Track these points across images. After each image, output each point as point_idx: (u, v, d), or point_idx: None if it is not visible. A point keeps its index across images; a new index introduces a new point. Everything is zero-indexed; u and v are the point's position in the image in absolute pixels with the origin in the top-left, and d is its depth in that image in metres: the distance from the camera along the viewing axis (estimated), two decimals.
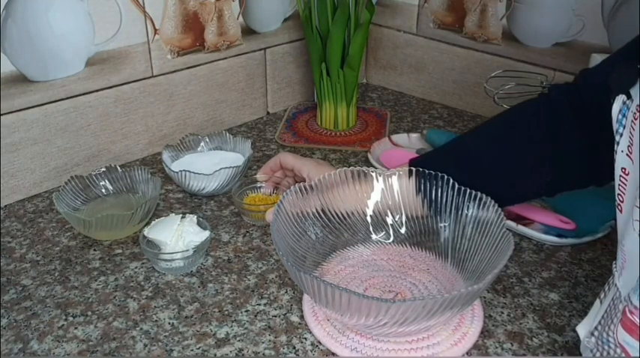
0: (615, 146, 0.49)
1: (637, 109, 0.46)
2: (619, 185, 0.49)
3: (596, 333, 0.50)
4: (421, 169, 0.67)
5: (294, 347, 0.59)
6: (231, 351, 0.58)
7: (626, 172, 0.48)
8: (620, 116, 0.48)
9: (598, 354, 0.49)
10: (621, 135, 0.48)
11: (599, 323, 0.50)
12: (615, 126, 0.49)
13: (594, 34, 0.94)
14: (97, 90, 0.87)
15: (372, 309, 0.50)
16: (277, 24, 1.08)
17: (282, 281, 0.68)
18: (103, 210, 0.78)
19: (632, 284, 0.47)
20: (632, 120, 0.46)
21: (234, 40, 1.01)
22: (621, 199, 0.49)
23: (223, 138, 0.92)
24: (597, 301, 0.52)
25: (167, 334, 0.60)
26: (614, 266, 0.50)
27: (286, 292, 0.66)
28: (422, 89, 1.22)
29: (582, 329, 0.53)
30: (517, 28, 1.03)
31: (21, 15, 0.76)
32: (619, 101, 0.48)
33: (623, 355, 0.46)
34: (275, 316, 0.63)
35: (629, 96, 0.47)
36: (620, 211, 0.50)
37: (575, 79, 0.66)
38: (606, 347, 0.48)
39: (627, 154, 0.48)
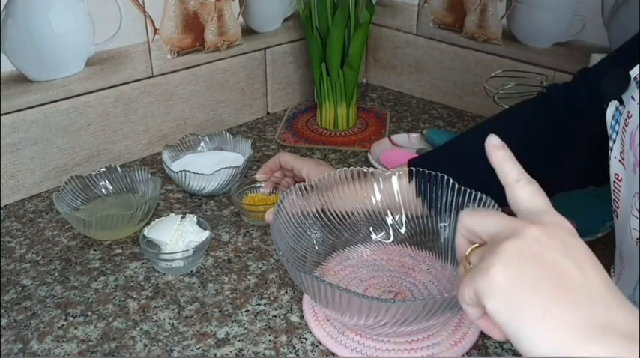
0: (609, 152, 0.49)
1: (627, 116, 0.46)
2: (613, 191, 0.49)
3: None
4: (421, 169, 0.67)
5: (294, 347, 0.59)
6: (231, 351, 0.58)
7: (619, 178, 0.48)
8: (613, 122, 0.48)
9: None
10: (614, 141, 0.48)
11: None
12: (609, 131, 0.49)
13: (594, 34, 0.94)
14: (97, 90, 0.87)
15: (372, 309, 0.50)
16: (277, 24, 1.08)
17: (282, 281, 0.68)
18: (103, 210, 0.78)
19: (628, 291, 0.47)
20: (623, 127, 0.46)
21: (234, 40, 1.01)
22: (616, 205, 0.49)
23: (223, 138, 0.92)
24: None
25: (167, 334, 0.60)
26: (612, 270, 0.50)
27: (286, 292, 0.66)
28: (422, 89, 1.22)
29: None
30: (517, 28, 1.03)
31: (21, 15, 0.76)
32: (612, 107, 0.48)
33: None
34: (275, 316, 0.63)
35: (621, 102, 0.47)
36: (617, 217, 0.49)
37: (573, 78, 0.66)
38: None
39: (620, 160, 0.48)
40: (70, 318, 0.62)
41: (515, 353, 0.58)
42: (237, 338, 0.60)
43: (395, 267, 0.68)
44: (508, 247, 0.34)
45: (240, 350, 0.58)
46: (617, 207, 0.49)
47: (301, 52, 1.13)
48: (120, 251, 0.73)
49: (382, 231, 0.70)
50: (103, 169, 0.82)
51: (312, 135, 1.05)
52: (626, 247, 0.47)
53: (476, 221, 0.39)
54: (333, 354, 0.58)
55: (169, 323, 0.62)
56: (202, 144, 0.91)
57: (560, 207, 0.81)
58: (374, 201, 0.69)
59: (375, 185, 0.69)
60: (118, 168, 0.82)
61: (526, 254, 0.34)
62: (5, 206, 0.82)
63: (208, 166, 0.83)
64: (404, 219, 0.70)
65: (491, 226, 0.38)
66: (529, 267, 0.34)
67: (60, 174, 0.87)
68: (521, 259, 0.34)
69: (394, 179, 0.69)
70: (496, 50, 1.07)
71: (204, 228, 0.72)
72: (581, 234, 0.79)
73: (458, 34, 1.12)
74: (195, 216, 0.73)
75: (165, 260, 0.68)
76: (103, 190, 0.82)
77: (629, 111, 0.46)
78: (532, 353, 0.32)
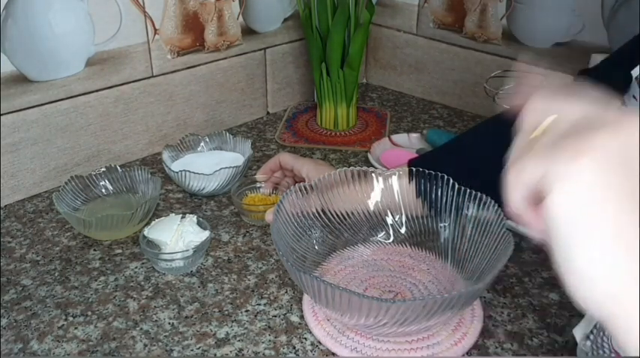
0: None
1: None
2: None
3: (591, 337, 0.50)
4: (421, 169, 0.67)
5: (294, 347, 0.59)
6: (231, 351, 0.58)
7: None
8: None
9: None
10: None
11: (595, 327, 0.50)
12: None
13: (594, 34, 0.94)
14: (97, 90, 0.87)
15: (372, 309, 0.50)
16: (277, 24, 1.08)
17: (282, 281, 0.68)
18: (103, 210, 0.78)
19: None
20: None
21: (234, 40, 1.01)
22: None
23: (223, 138, 0.92)
24: None
25: (167, 334, 0.60)
26: None
27: (286, 292, 0.66)
28: (422, 89, 1.22)
29: (579, 332, 0.53)
30: (517, 28, 1.03)
31: (21, 15, 0.76)
32: None
33: None
34: (275, 316, 0.63)
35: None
36: None
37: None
38: (601, 352, 0.48)
39: None
40: (70, 318, 0.62)
41: (515, 353, 0.58)
42: (237, 338, 0.60)
43: (395, 267, 0.68)
44: (605, 140, 0.28)
45: (240, 350, 0.58)
46: None
47: (301, 52, 1.13)
48: (120, 251, 0.73)
49: (382, 231, 0.70)
50: (103, 169, 0.82)
51: (312, 135, 1.05)
52: None
53: (553, 106, 0.33)
54: (333, 354, 0.58)
55: (169, 323, 0.62)
56: (202, 144, 0.91)
57: None
58: (374, 201, 0.69)
59: (375, 185, 0.69)
60: (118, 168, 0.82)
61: (623, 154, 0.28)
62: (5, 206, 0.82)
63: (208, 166, 0.83)
64: (404, 219, 0.70)
65: (574, 112, 0.32)
66: (621, 173, 0.28)
67: (60, 174, 0.87)
68: (617, 159, 0.28)
69: (394, 179, 0.69)
70: (496, 50, 1.07)
71: (204, 228, 0.72)
72: None
73: (458, 34, 1.12)
74: (195, 216, 0.73)
75: (166, 260, 0.68)
76: (103, 190, 0.82)
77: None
78: (577, 271, 0.28)
